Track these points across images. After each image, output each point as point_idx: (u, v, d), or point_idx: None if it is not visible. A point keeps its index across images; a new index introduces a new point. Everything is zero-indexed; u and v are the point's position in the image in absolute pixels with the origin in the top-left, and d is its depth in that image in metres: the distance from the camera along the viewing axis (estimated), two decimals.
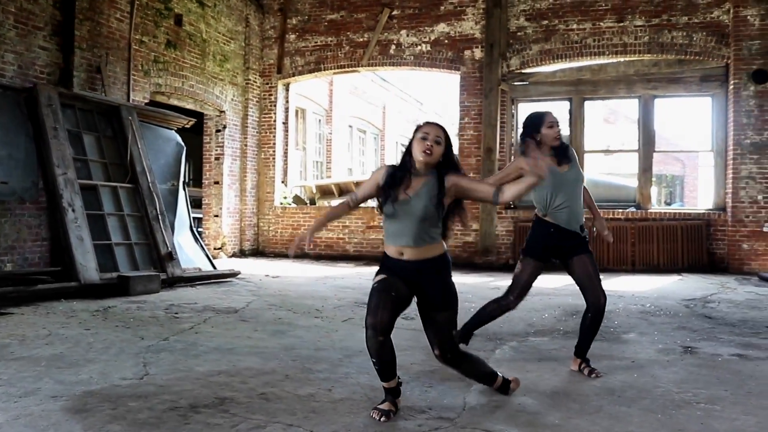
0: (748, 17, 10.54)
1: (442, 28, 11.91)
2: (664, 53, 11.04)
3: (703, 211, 11.18)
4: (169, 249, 8.13)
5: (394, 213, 3.45)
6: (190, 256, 8.77)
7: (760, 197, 10.50)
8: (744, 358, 4.99)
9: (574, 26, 11.34)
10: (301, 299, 7.45)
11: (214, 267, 9.07)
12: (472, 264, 11.50)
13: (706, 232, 10.80)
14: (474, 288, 8.79)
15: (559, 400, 3.88)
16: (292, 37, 12.69)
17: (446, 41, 11.91)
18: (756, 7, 10.51)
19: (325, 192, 13.41)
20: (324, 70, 12.65)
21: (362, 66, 12.36)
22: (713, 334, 5.91)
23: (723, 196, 10.98)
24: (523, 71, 11.68)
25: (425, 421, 3.43)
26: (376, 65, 12.36)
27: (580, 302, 4.68)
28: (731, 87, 10.71)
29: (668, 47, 10.99)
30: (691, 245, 10.77)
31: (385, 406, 3.48)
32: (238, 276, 9.17)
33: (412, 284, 3.48)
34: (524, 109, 12.14)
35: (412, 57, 12.05)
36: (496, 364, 4.67)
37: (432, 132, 3.47)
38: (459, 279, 9.73)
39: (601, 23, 11.21)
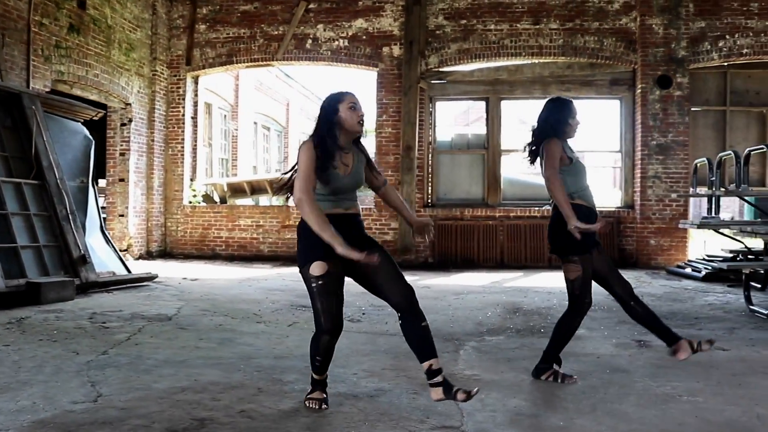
0: (653, 26, 11.07)
1: (360, 23, 11.70)
2: (577, 56, 11.39)
3: (614, 209, 11.64)
4: (82, 252, 7.44)
5: (340, 187, 3.42)
6: (102, 259, 8.08)
7: (665, 195, 11.05)
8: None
9: (492, 27, 11.47)
10: (233, 303, 7.03)
11: (129, 270, 8.41)
12: None
13: (617, 229, 11.25)
14: None
15: (550, 401, 3.81)
16: (203, 27, 12.06)
17: (364, 37, 11.71)
18: (660, 16, 11.04)
19: (236, 190, 12.86)
20: (237, 63, 12.11)
21: (277, 60, 11.94)
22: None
23: (631, 195, 11.48)
24: (441, 70, 11.70)
25: (431, 431, 3.23)
26: (291, 60, 11.97)
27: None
28: (638, 91, 11.21)
29: (581, 51, 11.35)
30: (603, 241, 11.10)
31: (318, 395, 3.49)
32: (155, 280, 8.56)
33: (357, 241, 3.37)
34: (442, 108, 12.19)
35: (329, 52, 11.77)
36: (467, 367, 4.56)
37: (358, 101, 3.50)
38: None
39: (518, 25, 11.41)
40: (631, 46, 11.26)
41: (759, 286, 7.02)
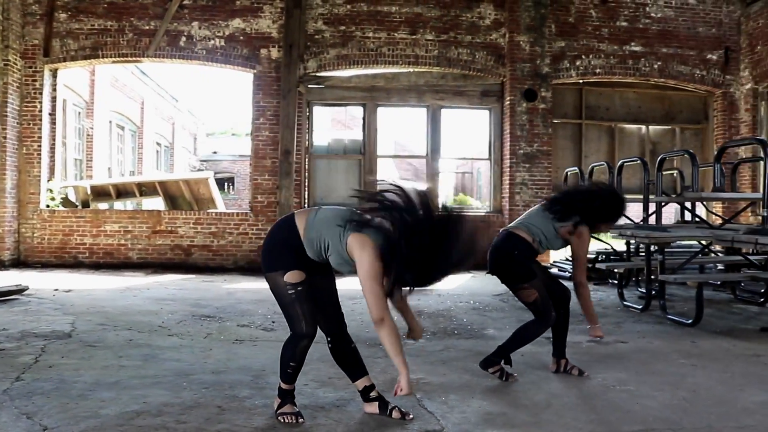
0: (521, 42, 11.82)
1: (237, 23, 11.40)
2: (451, 67, 11.88)
3: (484, 214, 12.26)
4: None
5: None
6: None
7: (531, 201, 11.82)
8: (599, 344, 5.61)
9: (371, 34, 11.66)
10: (129, 316, 6.58)
11: None
12: None
13: (489, 232, 11.85)
14: None
15: (507, 399, 4.00)
16: (63, 16, 11.12)
17: (242, 38, 11.42)
18: (527, 34, 11.82)
19: (100, 193, 11.99)
20: (103, 57, 11.29)
21: (148, 57, 11.29)
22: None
23: (500, 200, 12.17)
24: (319, 74, 11.69)
25: None
26: (164, 57, 11.37)
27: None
28: (507, 103, 11.91)
29: (454, 62, 11.85)
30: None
31: (290, 408, 3.45)
32: (25, 292, 7.79)
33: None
34: (319, 112, 12.17)
35: (205, 51, 11.35)
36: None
37: None
38: (255, 285, 9.42)
39: (396, 34, 11.69)
40: (501, 60, 11.95)
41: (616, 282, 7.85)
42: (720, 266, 8.66)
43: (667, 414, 3.71)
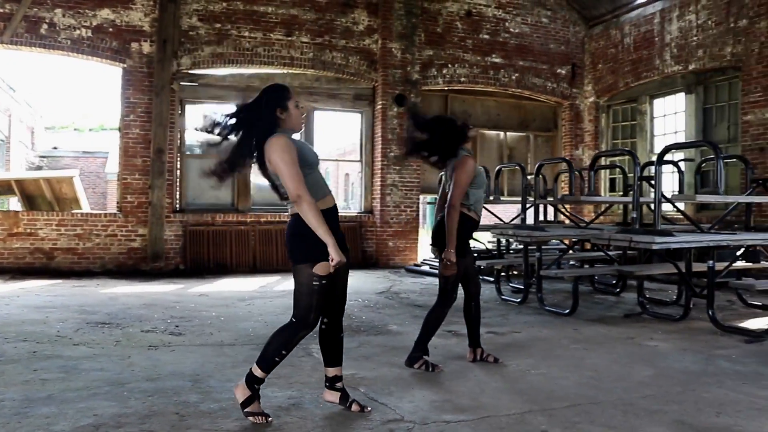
0: (393, 49, 12.29)
1: (106, 14, 10.81)
2: (325, 70, 12.08)
3: (356, 214, 12.59)
4: None
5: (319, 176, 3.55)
6: None
7: (401, 202, 12.34)
8: (497, 335, 6.17)
9: (246, 34, 11.56)
10: (14, 326, 6.13)
11: None
12: (140, 271, 10.78)
13: (360, 232, 12.22)
14: (181, 297, 8.38)
15: (443, 387, 4.32)
16: None
17: (111, 29, 10.85)
18: (399, 42, 12.31)
19: None
20: None
21: (3, 43, 10.37)
22: (447, 319, 6.92)
23: (371, 201, 12.56)
24: (193, 72, 11.41)
25: (384, 425, 3.50)
26: (22, 45, 10.49)
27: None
28: (379, 107, 12.32)
29: (329, 65, 12.07)
30: (349, 244, 12.02)
31: (257, 408, 3.52)
32: None
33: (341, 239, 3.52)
34: (192, 112, 11.87)
35: (70, 41, 10.64)
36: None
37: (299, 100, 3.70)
38: (146, 288, 9.22)
39: (272, 35, 11.68)
40: (373, 66, 12.34)
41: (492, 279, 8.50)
42: (573, 262, 9.62)
43: (583, 391, 4.23)
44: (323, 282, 3.41)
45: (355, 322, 6.72)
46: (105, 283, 9.52)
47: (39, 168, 22.78)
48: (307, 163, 3.40)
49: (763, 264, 7.74)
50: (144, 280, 9.93)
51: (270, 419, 3.51)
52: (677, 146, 8.13)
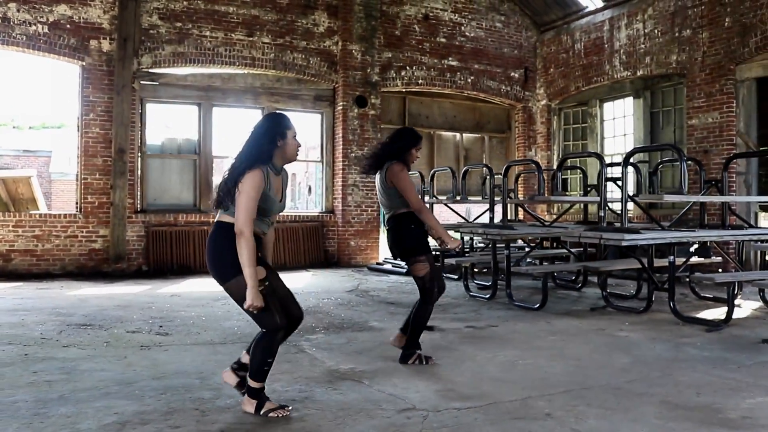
0: (353, 51, 12.45)
1: (63, 9, 10.58)
2: (286, 71, 12.15)
3: (317, 214, 12.70)
4: None
5: (272, 211, 3.69)
6: None
7: (362, 202, 12.52)
8: (475, 328, 6.44)
9: (208, 33, 11.52)
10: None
11: None
12: (102, 272, 10.63)
13: (322, 232, 12.34)
14: (153, 297, 8.35)
15: (441, 377, 4.50)
16: None
17: (68, 26, 10.64)
18: (359, 44, 12.48)
19: None
20: None
21: None
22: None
23: (332, 201, 12.69)
24: (153, 71, 11.29)
25: (399, 413, 3.68)
26: None
27: None
28: (339, 108, 12.47)
29: (290, 66, 12.14)
30: (311, 244, 12.17)
31: (273, 404, 3.65)
32: None
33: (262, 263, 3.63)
34: (152, 110, 11.76)
35: (25, 37, 10.37)
36: (334, 363, 4.93)
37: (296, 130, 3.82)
38: (113, 290, 9.22)
39: (233, 35, 11.68)
40: (334, 67, 12.47)
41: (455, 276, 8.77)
42: (529, 260, 9.99)
43: (573, 378, 4.52)
44: (266, 284, 3.52)
45: (336, 320, 6.86)
46: (69, 285, 9.36)
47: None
48: (266, 207, 3.60)
49: (714, 259, 8.27)
50: (108, 282, 9.81)
51: (289, 408, 3.65)
52: (642, 150, 8.59)
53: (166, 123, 15.65)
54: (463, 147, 14.24)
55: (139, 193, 11.31)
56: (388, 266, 11.73)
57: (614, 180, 7.12)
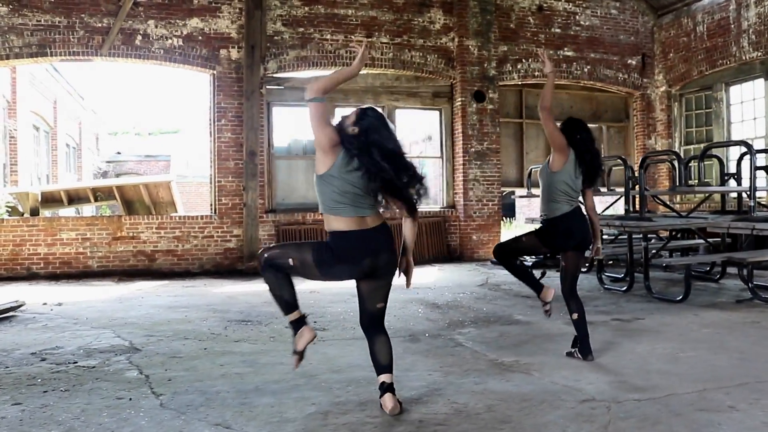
0: (470, 47, 12.49)
1: (195, 23, 11.22)
2: (404, 69, 12.34)
3: (439, 209, 12.84)
4: None
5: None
6: None
7: (483, 196, 12.56)
8: (622, 321, 6.36)
9: (329, 37, 11.87)
10: (164, 325, 6.47)
11: None
12: (236, 271, 11.18)
13: (444, 227, 12.47)
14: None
15: (607, 368, 4.44)
16: (4, 9, 10.42)
17: (200, 38, 11.26)
18: (475, 39, 12.51)
19: (50, 200, 11.34)
20: (51, 56, 10.72)
21: (102, 55, 10.84)
22: (565, 308, 7.15)
23: (453, 196, 12.80)
24: (279, 75, 11.76)
25: (581, 404, 3.74)
26: (118, 56, 10.95)
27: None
28: (458, 103, 12.54)
29: (408, 64, 12.32)
30: (434, 239, 12.32)
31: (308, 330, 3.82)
32: (21, 308, 7.41)
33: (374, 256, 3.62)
34: (279, 114, 12.24)
35: (162, 51, 11.08)
36: (498, 356, 5.00)
37: None
38: (255, 287, 9.63)
39: (353, 36, 11.97)
40: (451, 63, 12.57)
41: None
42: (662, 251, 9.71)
43: (742, 371, 4.43)
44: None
45: (480, 314, 6.95)
46: (211, 283, 9.91)
47: (105, 173, 23.47)
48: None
49: None
50: (245, 279, 10.30)
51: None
52: None
53: (291, 125, 16.18)
54: None
55: (268, 193, 11.81)
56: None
57: (765, 168, 6.84)
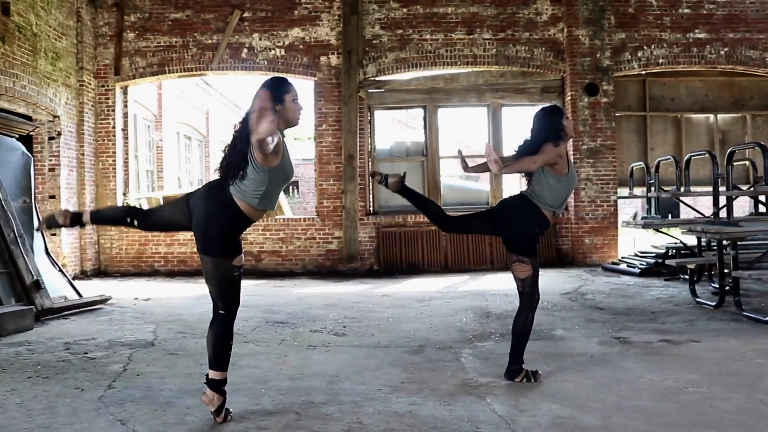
0: (580, 37, 11.67)
1: (296, 33, 11.64)
2: (509, 65, 11.83)
3: None
4: (35, 277, 7.02)
5: (289, 173, 3.74)
6: (52, 283, 7.64)
7: (597, 197, 11.68)
8: (670, 343, 5.55)
9: (428, 37, 11.72)
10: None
11: (80, 294, 8.00)
12: (337, 272, 11.41)
13: (553, 229, 11.77)
14: (364, 297, 8.73)
15: (575, 401, 3.95)
16: (131, 35, 11.61)
17: (301, 47, 11.66)
18: (586, 28, 11.67)
19: None
20: (169, 73, 11.74)
21: (212, 69, 11.67)
22: (622, 324, 6.46)
23: None
24: (378, 79, 11.83)
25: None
26: (227, 69, 11.72)
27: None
28: (568, 98, 11.77)
29: (513, 60, 11.80)
30: (542, 242, 11.65)
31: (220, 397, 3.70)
32: (108, 302, 8.20)
33: None
34: (380, 117, 12.31)
35: (266, 62, 11.64)
36: (478, 374, 4.65)
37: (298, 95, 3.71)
38: (335, 288, 9.61)
39: (453, 35, 11.72)
40: (560, 56, 11.83)
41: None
42: None
43: (742, 418, 3.64)
44: (241, 272, 3.75)
45: None
46: (301, 284, 10.23)
47: None
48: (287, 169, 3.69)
49: None
50: (340, 280, 10.51)
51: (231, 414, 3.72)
52: None
53: (395, 127, 16.25)
54: (718, 129, 12.48)
55: (371, 196, 11.92)
56: (623, 266, 10.77)
57: None
